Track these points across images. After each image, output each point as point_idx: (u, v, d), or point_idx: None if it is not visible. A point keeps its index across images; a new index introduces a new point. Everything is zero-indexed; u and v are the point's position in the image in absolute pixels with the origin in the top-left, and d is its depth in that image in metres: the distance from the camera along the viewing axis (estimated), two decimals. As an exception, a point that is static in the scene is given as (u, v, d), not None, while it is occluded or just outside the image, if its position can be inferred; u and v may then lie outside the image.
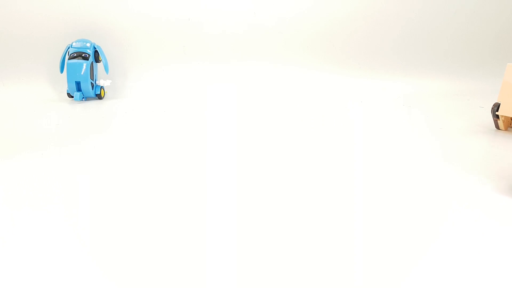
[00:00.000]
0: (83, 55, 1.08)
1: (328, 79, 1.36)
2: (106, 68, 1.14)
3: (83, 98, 1.09)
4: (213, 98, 1.20)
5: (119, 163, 0.61)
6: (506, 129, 0.81)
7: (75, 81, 1.07)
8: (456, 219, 0.44)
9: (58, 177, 0.55)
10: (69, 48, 1.11)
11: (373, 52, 1.44)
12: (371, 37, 1.44)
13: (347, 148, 0.69)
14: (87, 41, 1.11)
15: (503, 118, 0.79)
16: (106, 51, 1.27)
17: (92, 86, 1.11)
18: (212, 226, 0.42)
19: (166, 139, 0.75)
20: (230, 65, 1.36)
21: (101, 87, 1.13)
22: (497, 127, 0.82)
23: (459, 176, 0.56)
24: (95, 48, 1.12)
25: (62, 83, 1.23)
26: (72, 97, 1.10)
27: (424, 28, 1.47)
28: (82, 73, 1.06)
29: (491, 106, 0.85)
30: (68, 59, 1.08)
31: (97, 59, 1.13)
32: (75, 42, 1.11)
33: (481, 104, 1.11)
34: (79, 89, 1.08)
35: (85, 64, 1.07)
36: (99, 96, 1.13)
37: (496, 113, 0.79)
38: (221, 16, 1.38)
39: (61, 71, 1.13)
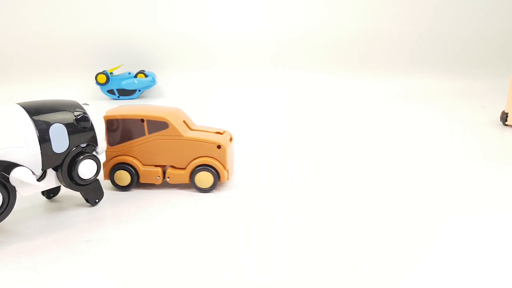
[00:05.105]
0: None
1: (327, 80, 1.36)
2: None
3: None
4: (213, 100, 1.20)
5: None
6: None
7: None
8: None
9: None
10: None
11: (374, 52, 1.44)
12: (373, 37, 1.43)
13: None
14: None
15: None
16: (104, 52, 1.29)
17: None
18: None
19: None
20: (230, 68, 1.36)
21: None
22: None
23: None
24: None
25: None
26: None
27: (426, 29, 1.47)
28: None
29: (500, 113, 0.91)
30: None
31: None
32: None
33: (482, 104, 1.11)
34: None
35: None
36: None
37: (506, 123, 0.85)
38: (221, 16, 1.37)
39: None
